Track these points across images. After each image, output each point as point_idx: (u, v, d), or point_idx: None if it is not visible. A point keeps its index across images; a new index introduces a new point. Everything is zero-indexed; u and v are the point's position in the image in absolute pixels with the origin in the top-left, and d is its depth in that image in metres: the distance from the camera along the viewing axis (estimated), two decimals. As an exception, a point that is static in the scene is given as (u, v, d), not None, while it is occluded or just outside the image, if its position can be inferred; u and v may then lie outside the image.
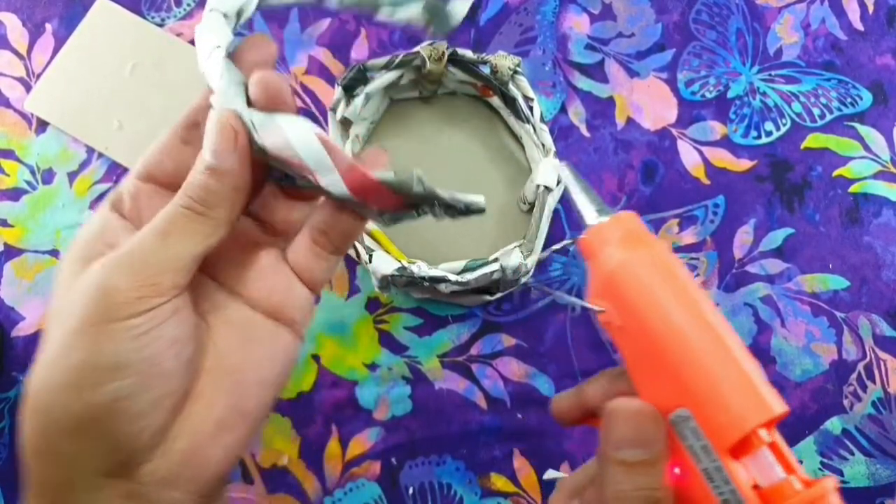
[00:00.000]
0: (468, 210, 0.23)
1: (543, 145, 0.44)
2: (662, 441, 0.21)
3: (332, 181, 0.22)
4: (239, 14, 0.23)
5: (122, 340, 0.20)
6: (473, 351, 0.45)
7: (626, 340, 0.22)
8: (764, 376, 0.21)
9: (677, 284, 0.21)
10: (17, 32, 0.49)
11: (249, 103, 0.22)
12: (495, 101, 0.46)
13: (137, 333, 0.20)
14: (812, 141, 0.49)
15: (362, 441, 0.44)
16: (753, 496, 0.20)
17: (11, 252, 0.46)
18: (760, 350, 0.45)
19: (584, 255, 0.24)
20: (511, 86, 0.43)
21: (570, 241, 0.25)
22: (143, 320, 0.20)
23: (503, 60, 0.43)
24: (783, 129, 0.49)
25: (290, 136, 0.21)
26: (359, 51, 0.49)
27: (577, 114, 0.49)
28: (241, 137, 0.21)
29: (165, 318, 0.21)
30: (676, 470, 0.21)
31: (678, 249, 0.47)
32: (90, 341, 0.20)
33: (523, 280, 0.43)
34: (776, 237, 0.47)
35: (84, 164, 0.47)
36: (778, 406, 0.21)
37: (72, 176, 0.47)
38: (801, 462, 0.43)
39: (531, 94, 0.43)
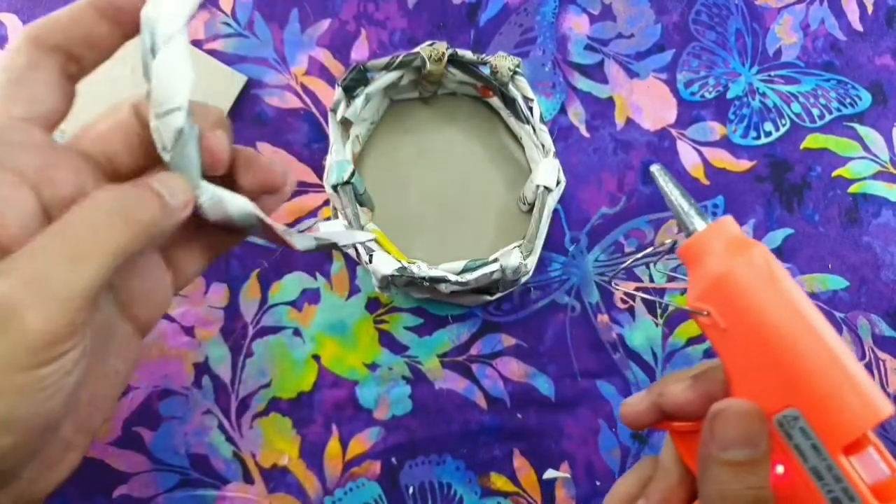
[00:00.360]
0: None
1: (543, 146, 0.44)
2: (767, 440, 0.21)
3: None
4: None
5: (21, 393, 0.16)
6: (473, 351, 0.45)
7: (730, 343, 0.23)
8: (870, 377, 0.21)
9: (785, 288, 0.22)
10: (17, 33, 0.49)
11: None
12: (495, 101, 0.47)
13: (43, 385, 0.16)
14: (811, 141, 0.49)
15: (362, 441, 0.44)
16: (868, 492, 0.20)
17: (12, 252, 0.46)
18: (760, 350, 0.45)
19: (686, 260, 0.24)
20: (511, 86, 0.43)
21: (671, 242, 0.25)
22: (52, 370, 0.16)
23: (503, 61, 0.43)
24: (782, 130, 0.49)
25: (231, 211, 0.22)
26: (359, 51, 0.49)
27: (576, 114, 0.49)
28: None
29: (74, 366, 0.17)
30: (779, 469, 0.22)
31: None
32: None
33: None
34: (775, 237, 0.47)
35: (85, 165, 0.47)
36: (889, 407, 0.21)
37: (72, 176, 0.47)
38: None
39: (531, 94, 0.43)
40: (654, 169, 0.25)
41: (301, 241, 0.25)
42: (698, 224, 0.24)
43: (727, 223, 0.24)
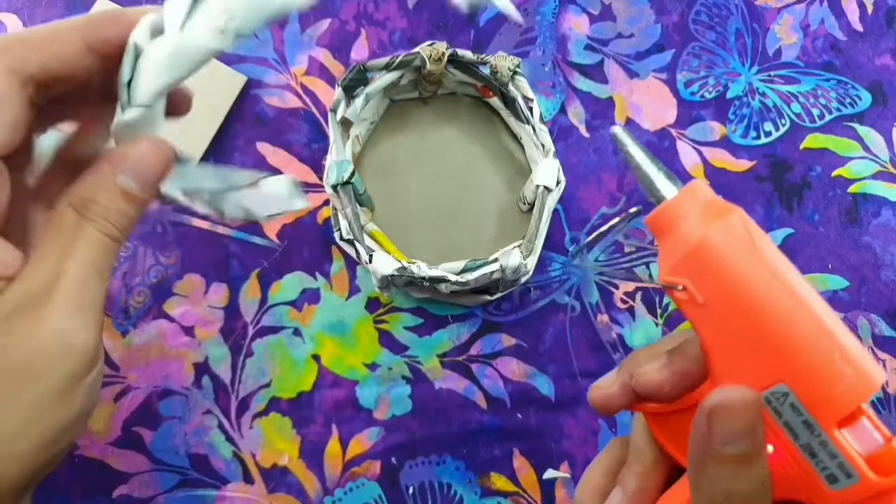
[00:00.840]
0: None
1: (543, 146, 0.44)
2: (762, 425, 0.20)
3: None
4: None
5: (85, 395, 0.20)
6: (473, 351, 0.45)
7: (709, 318, 0.21)
8: (861, 344, 0.20)
9: (767, 255, 0.20)
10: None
11: None
12: (495, 101, 0.47)
13: (94, 386, 0.20)
14: (811, 141, 0.49)
15: (362, 441, 0.44)
16: (866, 466, 0.19)
17: (12, 252, 0.46)
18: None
19: (656, 230, 0.22)
20: (511, 86, 0.43)
21: (634, 211, 0.23)
22: (97, 371, 0.20)
23: (503, 61, 0.43)
24: (782, 130, 0.49)
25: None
26: (359, 51, 0.49)
27: (576, 114, 0.49)
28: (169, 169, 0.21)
29: (99, 363, 0.21)
30: (769, 448, 0.20)
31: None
32: (65, 401, 0.19)
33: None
34: (775, 237, 0.47)
35: (85, 165, 0.47)
36: (882, 374, 0.19)
37: (72, 176, 0.47)
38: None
39: (531, 94, 0.43)
40: (616, 130, 0.23)
41: (230, 209, 0.25)
42: (668, 190, 0.22)
43: (699, 187, 0.22)
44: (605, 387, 0.24)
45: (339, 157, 0.42)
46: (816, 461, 0.20)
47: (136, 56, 0.20)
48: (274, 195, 0.27)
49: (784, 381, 0.20)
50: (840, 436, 0.19)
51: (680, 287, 0.21)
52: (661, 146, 0.48)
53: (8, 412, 0.19)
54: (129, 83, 0.20)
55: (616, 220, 0.25)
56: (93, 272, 0.20)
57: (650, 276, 0.47)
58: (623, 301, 0.46)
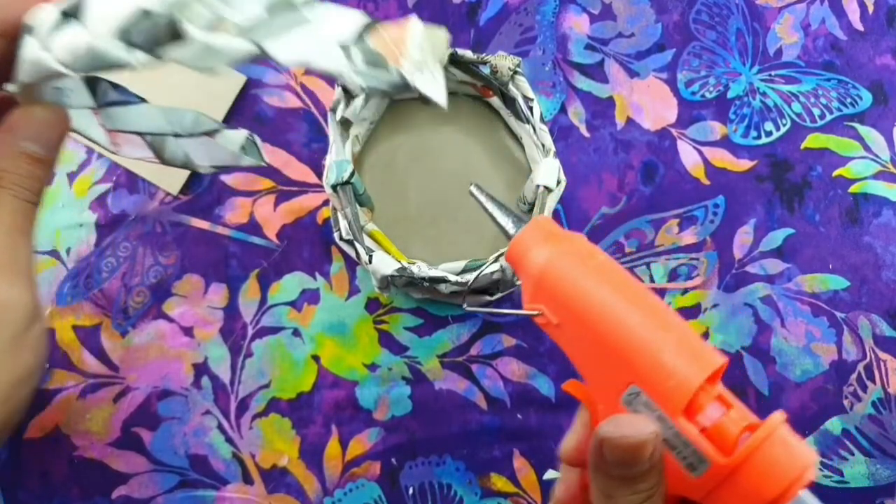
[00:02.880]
0: None
1: (543, 145, 0.44)
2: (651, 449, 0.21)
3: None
4: None
5: (29, 350, 0.21)
6: (473, 351, 0.45)
7: (566, 337, 0.23)
8: (696, 334, 0.22)
9: (600, 269, 0.22)
10: (16, 33, 0.49)
11: None
12: (495, 101, 0.46)
13: (39, 340, 0.21)
14: (812, 141, 0.49)
15: (362, 441, 0.44)
16: (713, 450, 0.20)
17: (11, 252, 0.46)
18: (760, 350, 0.45)
19: (514, 266, 0.24)
20: (511, 86, 0.43)
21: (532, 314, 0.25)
22: (39, 328, 0.21)
23: (503, 61, 0.42)
24: (783, 130, 0.49)
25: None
26: (358, 51, 0.49)
27: (576, 114, 0.49)
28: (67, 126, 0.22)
29: (40, 318, 0.22)
30: None
31: (678, 250, 0.47)
32: (12, 356, 0.21)
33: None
34: (776, 237, 0.47)
35: (84, 165, 0.47)
36: (717, 358, 0.21)
37: (71, 176, 0.47)
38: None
39: (531, 94, 0.43)
40: (472, 189, 0.26)
41: (170, 152, 0.25)
42: (515, 228, 0.24)
43: (543, 221, 0.24)
44: (566, 444, 0.27)
45: (338, 157, 0.41)
46: (677, 452, 0.21)
47: (28, 35, 0.21)
48: (224, 148, 0.27)
49: (633, 382, 0.21)
50: (687, 424, 0.21)
51: (537, 313, 0.23)
52: (661, 146, 0.48)
53: None
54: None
55: (513, 312, 0.27)
56: (17, 235, 0.21)
57: (650, 277, 0.46)
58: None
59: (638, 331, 0.21)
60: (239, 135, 0.28)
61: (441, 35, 0.23)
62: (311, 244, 0.46)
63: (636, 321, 0.21)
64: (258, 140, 0.29)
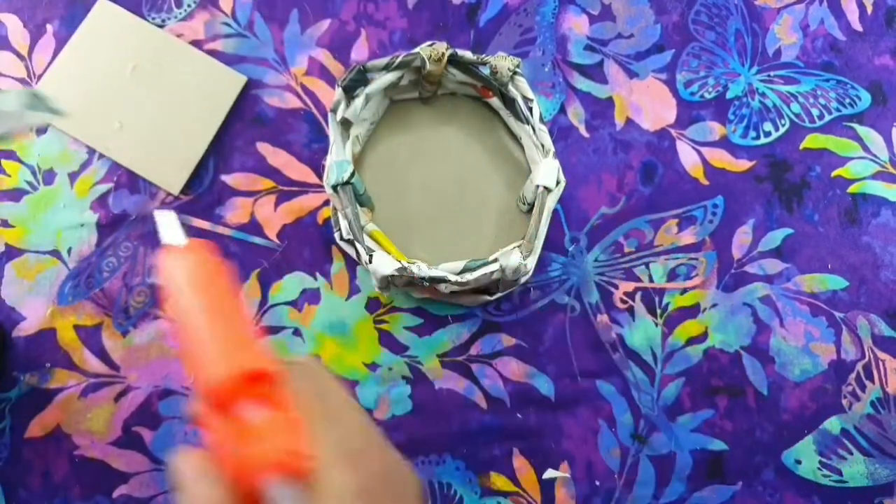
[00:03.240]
0: None
1: (543, 146, 0.44)
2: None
3: None
4: None
5: None
6: (473, 351, 0.45)
7: (179, 332, 0.25)
8: (262, 346, 0.24)
9: (190, 282, 0.25)
10: (18, 33, 0.49)
11: None
12: (495, 101, 0.47)
13: None
14: (811, 141, 0.49)
15: (362, 441, 0.44)
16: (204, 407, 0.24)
17: (12, 252, 0.46)
18: (759, 350, 0.45)
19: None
20: (510, 87, 0.43)
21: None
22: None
23: (503, 61, 0.43)
24: (782, 130, 0.49)
25: None
26: (359, 52, 0.49)
27: (576, 114, 0.49)
28: None
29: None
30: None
31: (677, 250, 0.47)
32: None
33: (523, 280, 0.43)
34: (775, 237, 0.47)
35: (85, 165, 0.47)
36: (257, 365, 0.24)
37: (73, 176, 0.47)
38: (798, 462, 0.43)
39: (530, 94, 0.43)
40: (161, 213, 0.28)
41: None
42: (180, 238, 0.27)
43: (168, 217, 0.27)
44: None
45: (339, 158, 0.42)
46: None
47: None
48: (3, 112, 0.26)
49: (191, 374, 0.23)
50: (200, 404, 0.24)
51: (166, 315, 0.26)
52: (660, 146, 0.48)
53: None
54: None
55: None
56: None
57: (650, 276, 0.47)
58: (622, 301, 0.46)
59: (194, 332, 0.24)
60: (16, 95, 0.27)
61: None
62: (311, 244, 0.46)
63: (197, 329, 0.24)
64: (43, 93, 0.29)
